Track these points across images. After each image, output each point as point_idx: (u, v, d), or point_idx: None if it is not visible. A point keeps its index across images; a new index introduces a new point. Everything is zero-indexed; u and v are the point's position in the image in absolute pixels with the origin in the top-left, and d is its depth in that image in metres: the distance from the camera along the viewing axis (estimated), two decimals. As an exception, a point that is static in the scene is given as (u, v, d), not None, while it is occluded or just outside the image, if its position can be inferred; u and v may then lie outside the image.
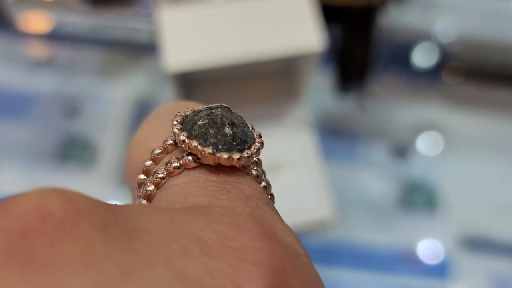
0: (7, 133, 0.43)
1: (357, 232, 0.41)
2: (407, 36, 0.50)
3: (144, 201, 0.13)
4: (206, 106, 0.14)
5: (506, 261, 0.41)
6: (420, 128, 0.46)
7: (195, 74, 0.35)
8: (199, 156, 0.13)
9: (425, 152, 0.45)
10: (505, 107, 0.48)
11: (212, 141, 0.13)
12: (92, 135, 0.43)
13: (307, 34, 0.33)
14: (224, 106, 0.14)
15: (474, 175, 0.44)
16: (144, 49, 0.47)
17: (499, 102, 0.48)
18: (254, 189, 0.13)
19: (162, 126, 0.14)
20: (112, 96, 0.45)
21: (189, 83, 0.40)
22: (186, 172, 0.13)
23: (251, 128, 0.14)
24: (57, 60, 0.47)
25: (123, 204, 0.11)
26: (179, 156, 0.13)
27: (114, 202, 0.11)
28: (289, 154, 0.39)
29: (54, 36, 0.48)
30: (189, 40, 0.33)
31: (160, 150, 0.13)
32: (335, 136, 0.45)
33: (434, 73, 0.49)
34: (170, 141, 0.13)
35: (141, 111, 0.45)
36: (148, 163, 0.14)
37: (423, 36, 0.50)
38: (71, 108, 0.44)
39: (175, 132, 0.13)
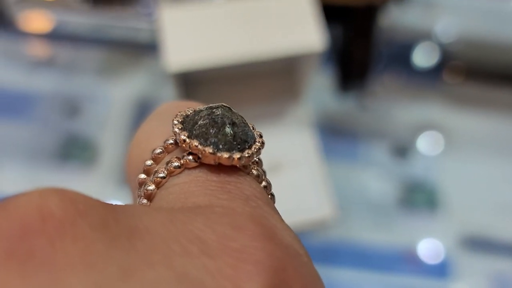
0: (7, 132, 0.43)
1: (358, 232, 0.41)
2: (408, 36, 0.50)
3: (145, 201, 0.13)
4: (206, 106, 0.14)
5: (506, 261, 0.41)
6: (421, 128, 0.46)
7: (196, 73, 0.35)
8: (200, 155, 0.13)
9: (426, 151, 0.45)
10: (505, 106, 0.48)
11: (213, 140, 0.13)
12: (93, 135, 0.43)
13: (307, 33, 0.33)
14: (224, 105, 0.14)
15: (475, 175, 0.44)
16: (145, 48, 0.47)
17: (499, 101, 0.48)
18: (254, 189, 0.13)
19: (163, 126, 0.14)
20: (113, 96, 0.45)
21: (190, 82, 0.40)
22: (186, 171, 0.13)
23: (251, 128, 0.14)
24: (58, 60, 0.47)
25: (123, 204, 0.11)
26: (180, 156, 0.13)
27: (114, 202, 0.11)
28: (290, 154, 0.39)
29: (55, 36, 0.48)
30: (190, 39, 0.33)
31: (161, 150, 0.13)
32: (335, 135, 0.45)
33: (434, 73, 0.49)
34: (171, 141, 0.13)
35: (142, 111, 0.45)
36: (149, 162, 0.14)
37: (424, 36, 0.50)
38: (71, 107, 0.44)
39: (175, 132, 0.13)
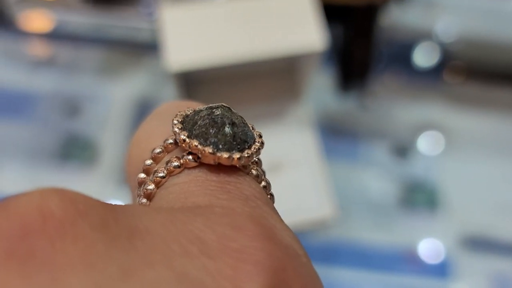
0: (7, 132, 0.43)
1: (358, 232, 0.41)
2: (408, 36, 0.50)
3: (144, 200, 0.13)
4: (206, 106, 0.14)
5: (507, 260, 0.41)
6: (421, 128, 0.46)
7: (196, 73, 0.35)
8: (200, 155, 0.13)
9: (426, 151, 0.45)
10: (506, 106, 0.47)
11: (213, 140, 0.13)
12: (93, 135, 0.43)
13: (308, 33, 0.33)
14: (224, 106, 0.14)
15: (475, 174, 0.44)
16: (145, 48, 0.47)
17: (500, 101, 0.48)
18: (254, 189, 0.13)
19: (163, 126, 0.14)
20: (113, 96, 0.45)
21: (191, 82, 0.40)
22: (186, 171, 0.13)
23: (251, 128, 0.14)
24: (58, 60, 0.47)
25: (123, 204, 0.11)
26: (180, 156, 0.13)
27: (114, 202, 0.11)
28: (291, 153, 0.39)
29: (55, 35, 0.48)
30: (191, 39, 0.33)
31: (161, 149, 0.13)
32: (336, 135, 0.45)
33: (435, 73, 0.49)
34: (171, 140, 0.13)
35: (142, 111, 0.45)
36: (149, 162, 0.14)
37: (424, 36, 0.50)
38: (72, 107, 0.44)
39: (175, 132, 0.13)
